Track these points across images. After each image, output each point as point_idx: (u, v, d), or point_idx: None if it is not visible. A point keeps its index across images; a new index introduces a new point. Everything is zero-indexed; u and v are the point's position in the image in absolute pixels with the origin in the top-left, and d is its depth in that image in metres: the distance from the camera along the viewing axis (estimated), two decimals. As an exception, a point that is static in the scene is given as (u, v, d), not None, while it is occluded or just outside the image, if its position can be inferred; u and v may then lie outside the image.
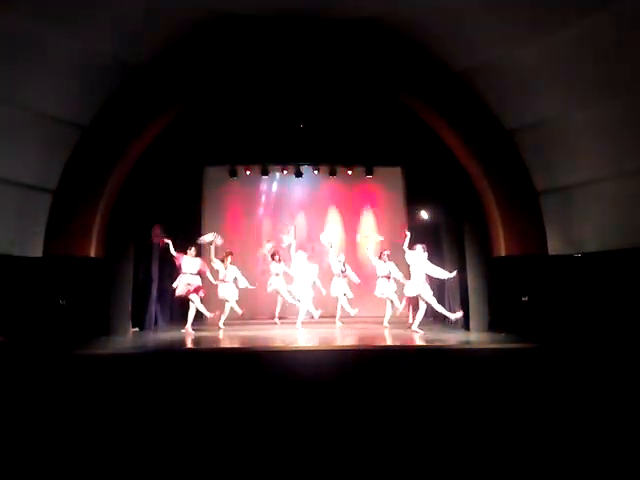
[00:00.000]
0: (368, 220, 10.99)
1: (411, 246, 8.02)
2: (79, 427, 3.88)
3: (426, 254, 7.94)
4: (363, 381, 5.03)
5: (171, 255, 8.22)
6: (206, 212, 10.74)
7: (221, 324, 8.65)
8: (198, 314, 8.53)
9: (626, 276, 6.59)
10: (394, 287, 8.69)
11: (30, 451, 3.45)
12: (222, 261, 8.56)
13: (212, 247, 8.52)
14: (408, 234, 8.17)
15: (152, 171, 8.42)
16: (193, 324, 8.36)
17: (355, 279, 9.14)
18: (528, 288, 7.56)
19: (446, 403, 4.36)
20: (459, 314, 7.82)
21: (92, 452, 3.46)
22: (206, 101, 8.26)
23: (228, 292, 8.52)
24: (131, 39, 7.03)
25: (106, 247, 7.81)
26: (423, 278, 7.83)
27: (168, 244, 8.18)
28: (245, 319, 8.96)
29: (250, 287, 8.78)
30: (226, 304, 8.63)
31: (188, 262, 8.20)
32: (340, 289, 8.98)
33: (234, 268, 8.65)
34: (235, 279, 8.63)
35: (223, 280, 8.51)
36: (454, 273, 7.81)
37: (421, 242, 8.13)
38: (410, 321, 8.37)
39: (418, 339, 7.39)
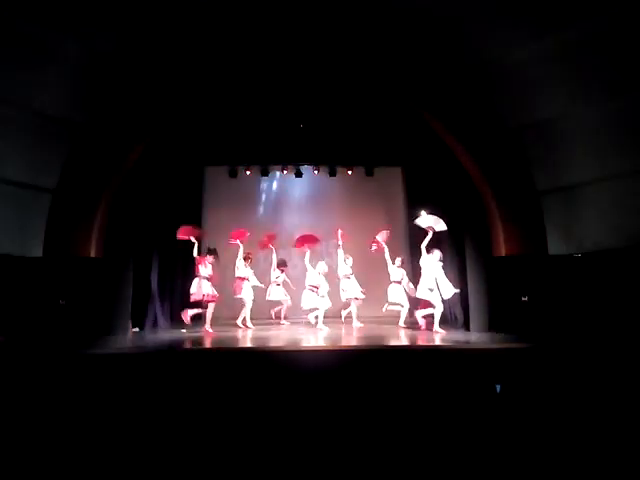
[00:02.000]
0: (368, 220, 10.97)
1: (429, 249, 7.92)
2: (79, 427, 3.89)
3: (441, 263, 7.84)
4: (365, 380, 5.03)
5: (192, 257, 8.21)
6: (206, 212, 10.75)
7: (239, 322, 8.82)
8: (198, 315, 8.49)
9: (626, 276, 6.60)
10: (404, 293, 8.68)
11: (31, 450, 3.46)
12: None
13: (240, 250, 8.70)
14: (430, 233, 7.95)
15: (152, 171, 8.43)
16: (192, 324, 8.36)
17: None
18: (528, 288, 7.56)
19: (446, 402, 4.37)
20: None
21: (93, 451, 3.47)
22: (206, 101, 8.26)
23: (247, 292, 8.73)
24: (132, 39, 7.03)
25: (106, 247, 7.82)
26: (434, 283, 7.75)
27: (194, 244, 8.21)
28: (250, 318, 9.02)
29: (260, 285, 9.06)
30: (246, 304, 8.78)
31: (206, 266, 8.25)
32: (350, 291, 8.89)
33: (248, 268, 8.94)
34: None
35: (246, 279, 8.75)
36: (457, 290, 7.87)
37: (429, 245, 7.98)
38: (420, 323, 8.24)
39: (418, 339, 7.37)
